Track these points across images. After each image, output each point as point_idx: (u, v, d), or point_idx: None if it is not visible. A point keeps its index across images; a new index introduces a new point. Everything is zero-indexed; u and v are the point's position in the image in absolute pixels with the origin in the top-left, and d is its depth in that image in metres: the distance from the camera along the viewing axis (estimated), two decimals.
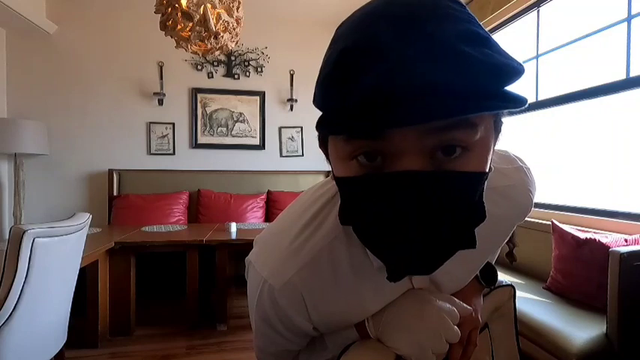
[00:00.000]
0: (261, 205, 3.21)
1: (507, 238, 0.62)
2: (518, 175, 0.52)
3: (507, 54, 0.30)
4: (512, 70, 0.29)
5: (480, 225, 0.35)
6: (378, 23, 0.30)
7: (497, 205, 0.46)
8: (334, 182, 0.48)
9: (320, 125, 0.33)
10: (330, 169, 0.39)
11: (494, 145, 0.35)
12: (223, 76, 3.36)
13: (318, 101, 0.34)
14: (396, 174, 0.30)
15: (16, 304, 1.22)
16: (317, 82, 0.34)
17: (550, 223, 1.91)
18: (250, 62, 3.39)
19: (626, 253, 1.34)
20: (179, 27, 1.78)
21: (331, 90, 0.31)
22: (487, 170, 0.33)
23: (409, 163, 0.30)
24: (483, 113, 0.28)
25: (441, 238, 0.33)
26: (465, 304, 0.48)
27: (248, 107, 3.42)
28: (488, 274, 0.57)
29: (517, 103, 0.29)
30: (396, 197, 0.31)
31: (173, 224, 2.85)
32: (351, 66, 0.29)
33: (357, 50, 0.29)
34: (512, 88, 0.30)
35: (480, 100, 0.27)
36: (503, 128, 0.36)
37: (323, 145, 0.40)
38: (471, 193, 0.33)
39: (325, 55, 0.34)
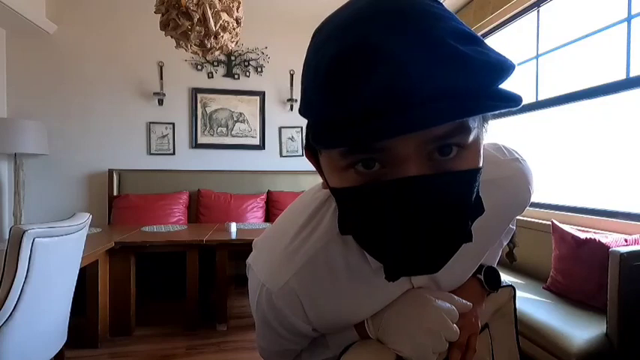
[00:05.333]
0: (261, 205, 3.21)
1: (509, 238, 0.62)
2: (515, 167, 0.52)
3: (495, 51, 0.30)
4: (507, 66, 0.28)
5: (477, 218, 0.35)
6: (369, 23, 0.28)
7: (494, 197, 0.45)
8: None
9: (315, 140, 0.30)
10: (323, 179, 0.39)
11: (483, 138, 0.35)
12: (223, 76, 3.36)
13: (307, 112, 0.32)
14: (399, 181, 0.30)
15: (16, 304, 1.22)
16: (304, 90, 0.32)
17: (550, 223, 1.91)
18: (250, 62, 3.39)
19: (626, 253, 1.34)
20: (179, 27, 1.79)
21: (326, 99, 0.29)
22: (481, 165, 0.34)
23: (410, 168, 0.30)
24: (487, 114, 0.28)
25: (446, 237, 0.33)
26: (464, 301, 0.48)
27: (248, 107, 3.41)
28: (491, 278, 0.57)
29: (514, 102, 0.28)
30: (401, 203, 0.30)
31: (173, 224, 2.85)
32: (349, 72, 0.27)
33: (352, 54, 0.28)
34: (509, 87, 0.30)
35: (481, 100, 0.26)
36: (490, 120, 0.36)
37: (312, 156, 0.38)
38: (470, 189, 0.33)
39: (308, 60, 0.33)
